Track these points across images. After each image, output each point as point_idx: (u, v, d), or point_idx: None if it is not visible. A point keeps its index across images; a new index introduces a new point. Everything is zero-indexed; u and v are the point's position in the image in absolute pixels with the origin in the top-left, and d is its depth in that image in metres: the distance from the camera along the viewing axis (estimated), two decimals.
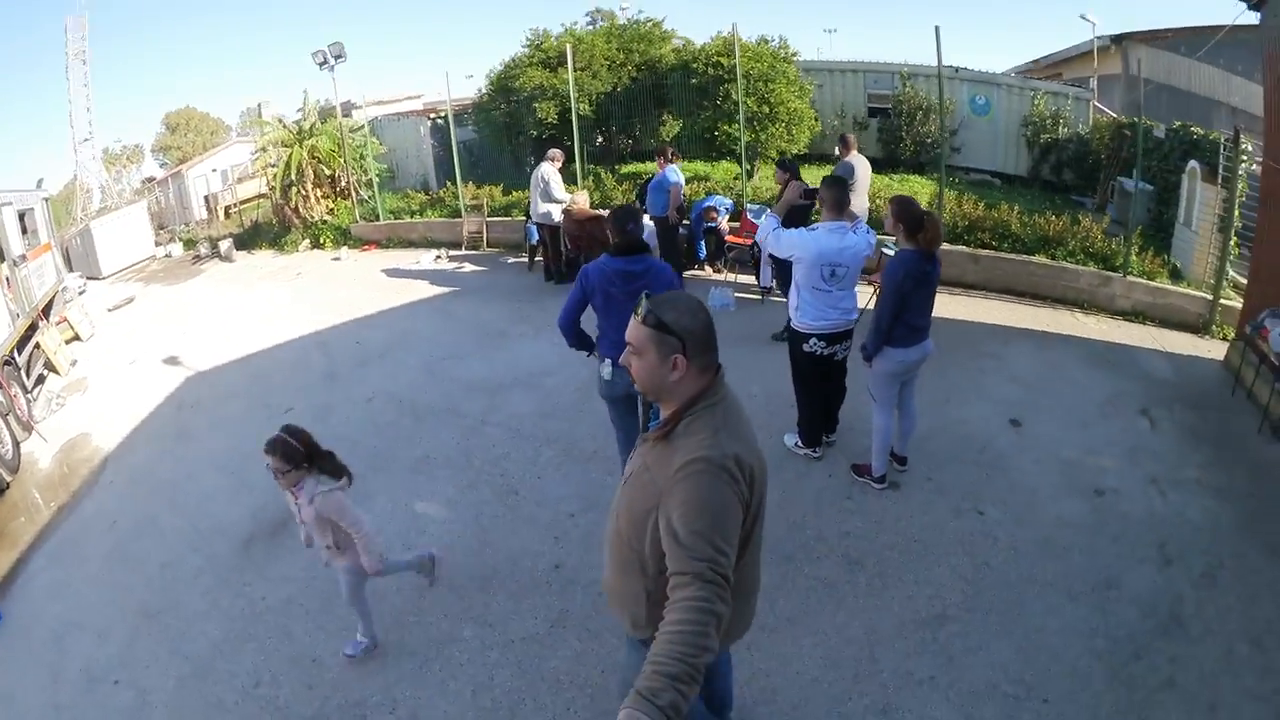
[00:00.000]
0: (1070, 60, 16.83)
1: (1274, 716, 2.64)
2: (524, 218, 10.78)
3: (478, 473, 4.75)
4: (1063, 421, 4.88)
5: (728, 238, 8.88)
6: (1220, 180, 8.14)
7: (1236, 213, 7.35)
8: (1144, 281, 8.04)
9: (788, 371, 4.40)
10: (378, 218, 11.97)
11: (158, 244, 15.33)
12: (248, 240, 13.77)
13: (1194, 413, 5.08)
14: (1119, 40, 13.99)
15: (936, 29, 8.04)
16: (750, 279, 8.04)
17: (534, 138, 12.07)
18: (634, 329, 1.72)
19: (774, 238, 4.09)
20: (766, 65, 10.54)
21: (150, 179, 25.04)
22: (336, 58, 11.46)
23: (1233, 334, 6.74)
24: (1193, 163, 8.65)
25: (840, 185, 4.14)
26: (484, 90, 13.31)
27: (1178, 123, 10.10)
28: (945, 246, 7.21)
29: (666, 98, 11.60)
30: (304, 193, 12.20)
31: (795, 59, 11.54)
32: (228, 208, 18.27)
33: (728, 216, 8.99)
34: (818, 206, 4.67)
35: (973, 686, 2.84)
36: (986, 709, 2.74)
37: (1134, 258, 7.81)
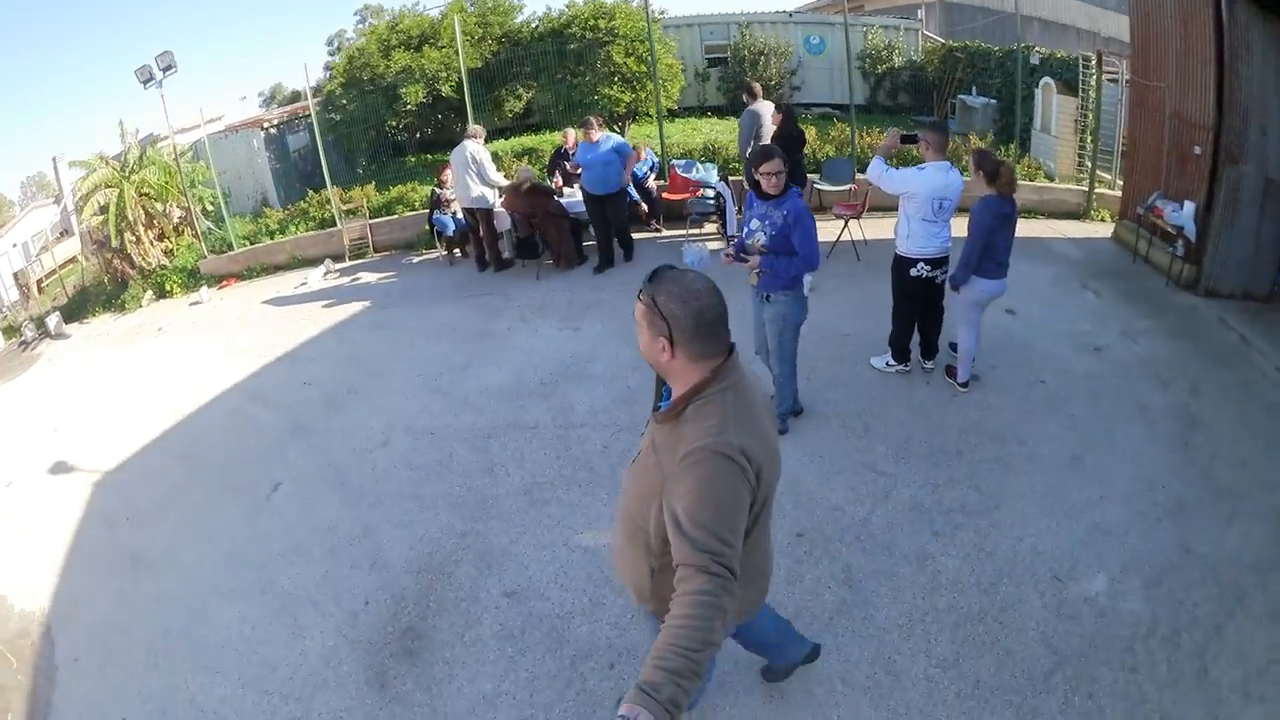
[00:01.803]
0: None
1: (1265, 447, 4.00)
2: (422, 210, 9.80)
3: (614, 478, 4.09)
4: (1038, 304, 5.92)
5: (664, 195, 8.66)
6: (1080, 92, 9.15)
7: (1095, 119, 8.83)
8: (1028, 182, 9.01)
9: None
10: (230, 247, 10.17)
11: None
12: (76, 310, 11.09)
13: (1117, 280, 6.47)
14: None
15: None
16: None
17: (394, 127, 10.89)
18: (639, 302, 1.69)
19: (887, 178, 4.51)
20: (640, 25, 10.29)
21: None
22: (166, 70, 9.40)
23: (1108, 216, 8.43)
24: (1047, 79, 9.80)
25: (942, 129, 4.55)
26: (322, 85, 11.82)
27: (1021, 44, 11.29)
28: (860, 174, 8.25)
29: (535, 68, 10.91)
30: (136, 237, 10.08)
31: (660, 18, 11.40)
32: (39, 281, 15.28)
33: (654, 174, 8.90)
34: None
35: (1115, 467, 3.97)
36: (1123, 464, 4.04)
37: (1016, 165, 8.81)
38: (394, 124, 10.73)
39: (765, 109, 7.48)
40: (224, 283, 9.96)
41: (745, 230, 4.03)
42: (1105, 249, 7.46)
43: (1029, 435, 4.15)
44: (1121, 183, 8.28)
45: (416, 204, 9.96)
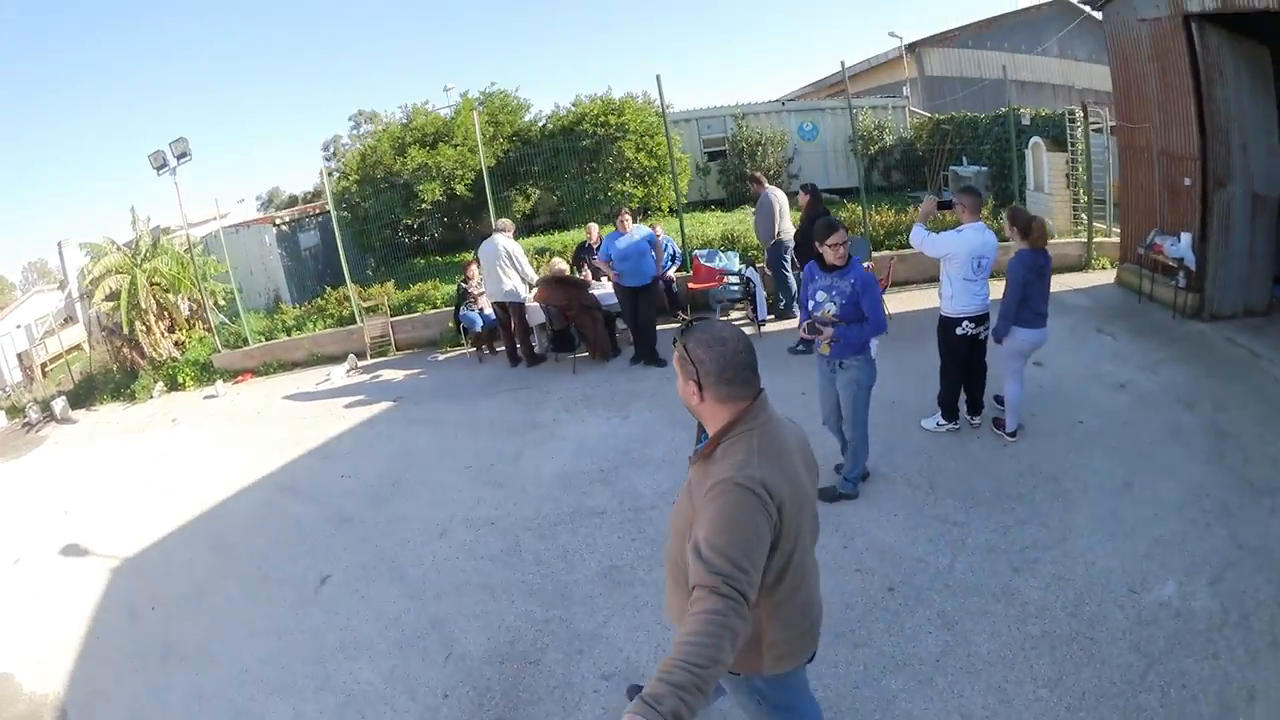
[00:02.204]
0: (860, 75, 19.11)
1: None
2: (444, 308, 9.89)
3: None
4: (1060, 353, 6.23)
5: (690, 285, 8.83)
6: (1068, 146, 9.65)
7: (1086, 170, 9.45)
8: None
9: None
10: (245, 342, 10.23)
11: None
12: (83, 396, 11.03)
13: (1127, 321, 7.01)
14: (911, 48, 16.21)
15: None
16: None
17: (409, 226, 11.12)
18: (675, 351, 1.84)
19: (929, 242, 4.82)
20: (649, 120, 10.78)
21: None
22: (180, 157, 9.69)
23: (1108, 263, 8.92)
24: (1035, 138, 10.23)
25: (976, 194, 4.91)
26: (320, 190, 12.20)
27: (1003, 108, 11.83)
28: (875, 253, 8.98)
29: (546, 165, 11.29)
30: (146, 326, 10.08)
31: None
32: (43, 365, 15.24)
33: (676, 265, 9.12)
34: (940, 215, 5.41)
35: (1162, 486, 4.30)
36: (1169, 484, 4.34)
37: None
38: (409, 222, 10.88)
39: (778, 194, 7.92)
40: (240, 378, 10.03)
41: (811, 304, 4.23)
42: (1111, 294, 8.00)
43: (1079, 470, 4.44)
44: (1118, 229, 8.76)
45: (439, 301, 10.15)
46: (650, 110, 11.22)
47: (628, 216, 7.17)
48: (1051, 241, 9.54)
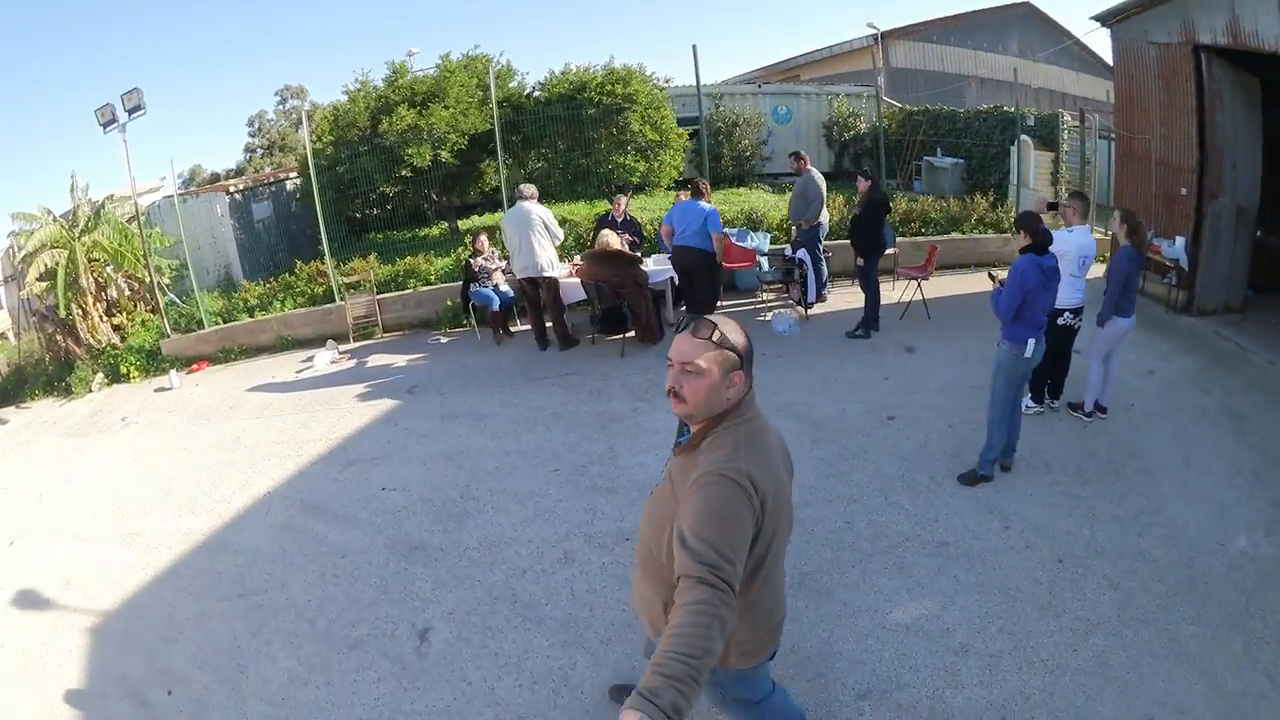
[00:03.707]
0: (822, 61, 18.84)
1: None
2: (441, 284, 8.67)
3: (880, 552, 4.07)
4: (1088, 344, 6.62)
5: (724, 264, 8.17)
6: (1057, 147, 10.00)
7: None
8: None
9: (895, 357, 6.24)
10: (200, 325, 8.79)
11: None
12: (11, 392, 9.33)
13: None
14: (879, 39, 16.02)
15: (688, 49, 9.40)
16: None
17: (379, 197, 9.68)
18: (697, 347, 1.78)
19: None
20: (656, 92, 9.89)
21: None
22: (133, 111, 7.99)
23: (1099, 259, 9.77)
24: (1024, 136, 10.31)
25: (1085, 199, 5.37)
26: (244, 167, 10.61)
27: (985, 106, 11.76)
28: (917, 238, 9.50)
29: (541, 134, 10.15)
30: (84, 309, 8.18)
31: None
32: None
33: None
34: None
35: (1209, 461, 4.86)
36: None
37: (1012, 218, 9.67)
38: (386, 190, 9.42)
39: (818, 176, 7.91)
40: (194, 366, 8.94)
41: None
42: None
43: (1149, 447, 5.07)
44: (1102, 228, 9.44)
45: (432, 278, 8.89)
46: (649, 82, 10.21)
47: (694, 191, 7.03)
48: None
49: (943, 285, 8.66)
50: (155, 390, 8.28)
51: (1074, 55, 17.91)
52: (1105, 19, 8.42)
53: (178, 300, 9.55)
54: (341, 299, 8.94)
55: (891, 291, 8.03)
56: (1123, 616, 3.50)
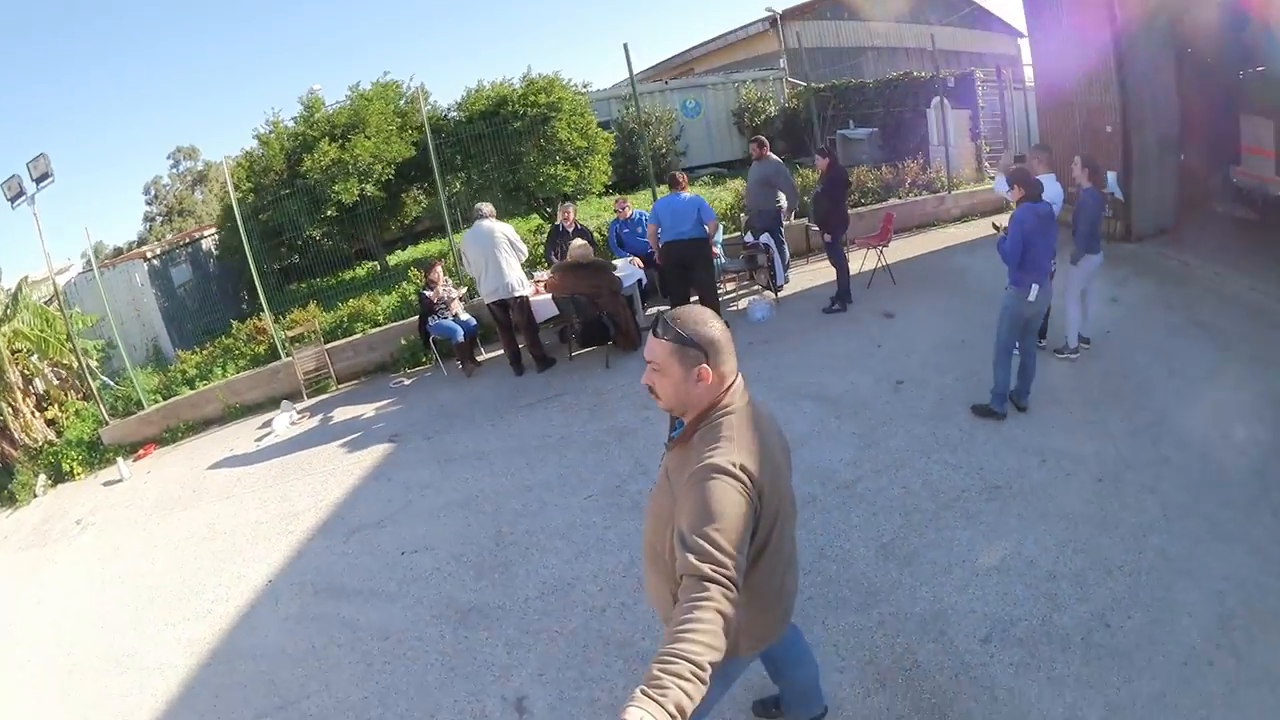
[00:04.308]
0: (719, 50, 19.04)
1: (1247, 322, 5.89)
2: (391, 324, 8.27)
3: (942, 508, 4.19)
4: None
5: None
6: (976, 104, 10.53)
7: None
8: (961, 191, 9.99)
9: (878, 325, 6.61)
10: (140, 406, 8.09)
11: None
12: None
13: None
14: (774, 23, 16.28)
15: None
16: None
17: (312, 239, 9.12)
18: (659, 345, 1.81)
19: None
20: (579, 99, 9.77)
21: None
22: (40, 180, 7.15)
23: None
24: (937, 98, 10.64)
25: (1048, 149, 5.86)
26: (145, 237, 9.94)
27: (895, 73, 12.17)
28: (870, 206, 9.98)
29: (464, 154, 9.82)
30: (14, 406, 7.30)
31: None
32: None
33: None
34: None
35: (1190, 369, 5.37)
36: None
37: (944, 178, 10.53)
38: (313, 234, 8.84)
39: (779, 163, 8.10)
40: (141, 451, 8.21)
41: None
42: None
43: (1137, 368, 5.55)
44: None
45: (381, 318, 8.47)
46: (569, 89, 10.04)
47: (681, 183, 7.04)
48: (967, 189, 10.81)
49: (896, 250, 8.95)
50: (104, 484, 7.51)
51: (963, 13, 18.73)
52: None
53: (111, 383, 8.80)
54: (288, 354, 8.44)
55: (851, 262, 8.18)
56: (1168, 515, 3.87)
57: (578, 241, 7.00)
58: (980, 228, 9.56)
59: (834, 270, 7.40)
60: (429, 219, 13.81)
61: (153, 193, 32.05)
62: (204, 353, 8.95)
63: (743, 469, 1.68)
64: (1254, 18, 7.49)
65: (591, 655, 3.48)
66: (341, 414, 7.61)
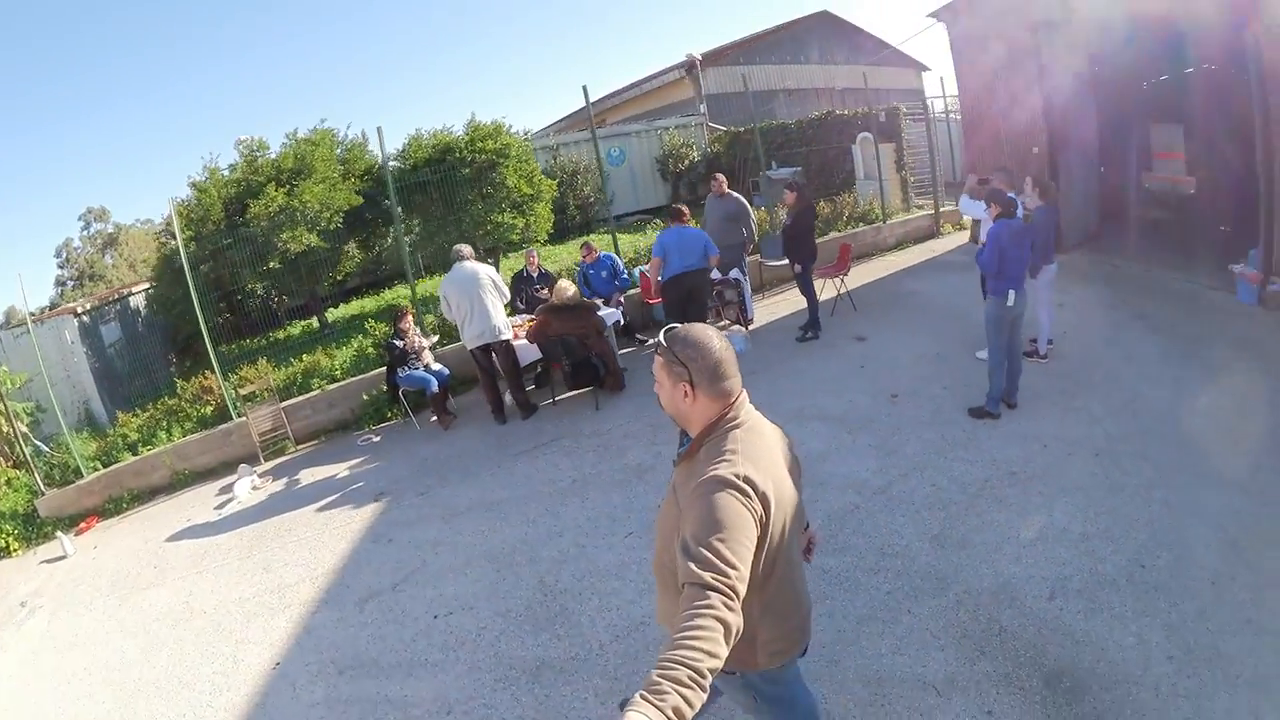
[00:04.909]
0: (635, 99, 19.52)
1: (1183, 310, 7.01)
2: (350, 379, 8.00)
3: (969, 506, 4.52)
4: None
5: (648, 300, 8.93)
6: (899, 138, 11.57)
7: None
8: (896, 220, 11.00)
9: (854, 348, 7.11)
10: (79, 474, 7.42)
11: None
12: None
13: None
14: (689, 69, 16.95)
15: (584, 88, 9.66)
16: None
17: (254, 292, 8.68)
18: (657, 363, 1.95)
19: (975, 208, 6.59)
20: (525, 145, 9.96)
21: None
22: None
23: (950, 227, 11.58)
24: (864, 134, 11.45)
25: (1009, 171, 6.60)
26: (57, 301, 9.30)
27: (817, 113, 12.92)
28: (826, 237, 10.56)
29: (407, 204, 9.76)
30: None
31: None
32: None
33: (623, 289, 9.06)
34: None
35: (1149, 352, 6.28)
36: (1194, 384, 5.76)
37: (879, 210, 11.40)
38: (254, 287, 8.42)
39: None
40: (83, 525, 7.46)
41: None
42: (972, 245, 10.35)
43: (1100, 359, 6.34)
44: (950, 203, 11.14)
45: (339, 374, 8.25)
46: (513, 135, 10.19)
47: (685, 216, 7.10)
48: (912, 217, 11.35)
49: (847, 279, 9.43)
50: (44, 561, 6.75)
51: (870, 53, 19.92)
52: (940, 15, 10.08)
53: (45, 448, 8.00)
54: (240, 414, 7.96)
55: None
56: (1162, 473, 4.56)
57: (564, 283, 6.97)
58: (917, 254, 10.55)
59: (800, 301, 7.88)
60: (359, 275, 13.49)
61: (64, 255, 31.67)
62: (146, 415, 8.27)
63: (747, 481, 1.72)
64: (1147, 28, 8.29)
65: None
66: (310, 475, 7.16)
